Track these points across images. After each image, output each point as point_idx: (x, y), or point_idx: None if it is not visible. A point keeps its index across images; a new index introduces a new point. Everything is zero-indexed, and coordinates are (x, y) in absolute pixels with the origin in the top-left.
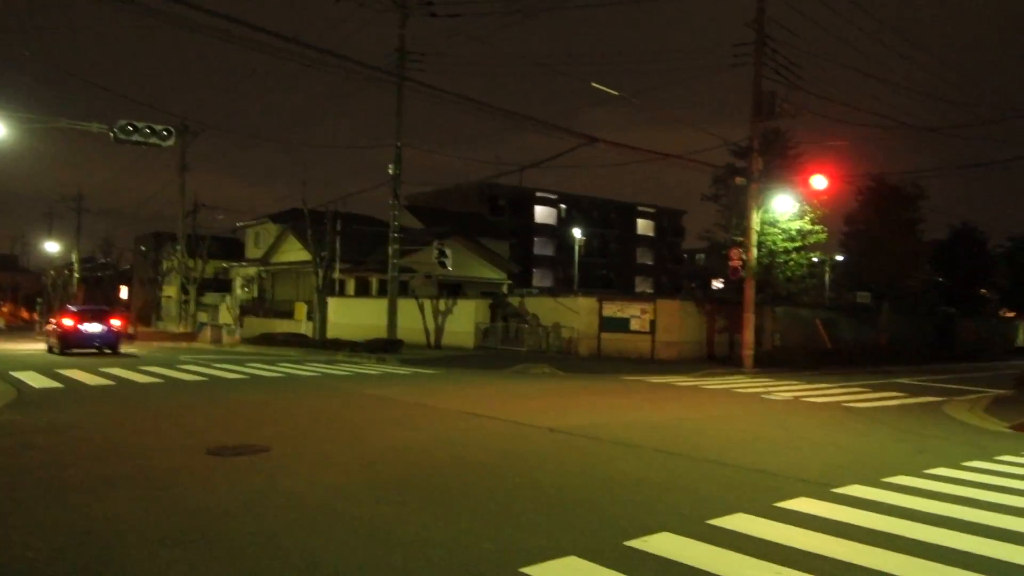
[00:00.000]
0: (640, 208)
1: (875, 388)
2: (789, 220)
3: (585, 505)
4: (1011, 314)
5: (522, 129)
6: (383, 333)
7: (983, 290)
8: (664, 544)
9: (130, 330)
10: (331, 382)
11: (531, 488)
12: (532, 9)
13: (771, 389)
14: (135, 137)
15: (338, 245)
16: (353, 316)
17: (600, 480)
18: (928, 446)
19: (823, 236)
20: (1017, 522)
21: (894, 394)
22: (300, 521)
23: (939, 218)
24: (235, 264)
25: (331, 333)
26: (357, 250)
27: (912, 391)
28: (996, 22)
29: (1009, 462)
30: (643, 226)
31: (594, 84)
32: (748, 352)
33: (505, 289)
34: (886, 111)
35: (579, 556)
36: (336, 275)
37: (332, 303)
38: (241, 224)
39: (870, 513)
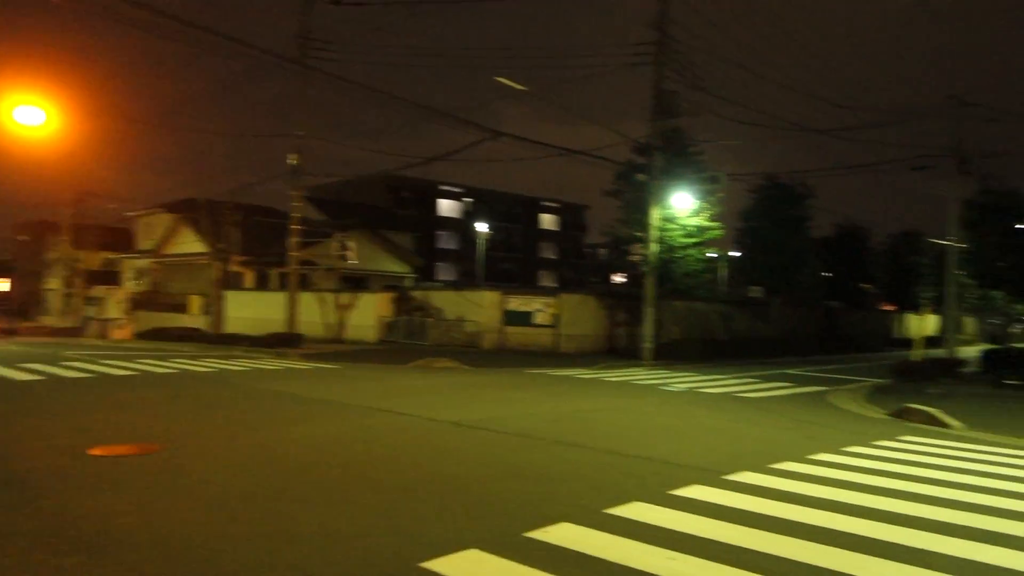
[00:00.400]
0: (544, 203)
1: (766, 379)
2: (688, 217)
3: (487, 498)
4: (890, 307)
5: (429, 122)
6: (283, 328)
7: (865, 285)
8: (563, 534)
9: (9, 325)
10: (228, 378)
11: (434, 482)
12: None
13: (668, 380)
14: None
15: (236, 237)
16: (252, 310)
17: (502, 472)
18: (813, 433)
19: (719, 232)
20: (893, 503)
21: (783, 384)
22: (194, 521)
23: (826, 216)
24: (125, 255)
25: (229, 328)
26: (257, 242)
27: (799, 381)
28: (882, 32)
29: (885, 447)
30: (547, 221)
31: (498, 79)
32: (647, 345)
33: (409, 283)
34: (779, 113)
35: (480, 548)
36: (234, 268)
37: (230, 297)
38: (132, 213)
39: (758, 498)
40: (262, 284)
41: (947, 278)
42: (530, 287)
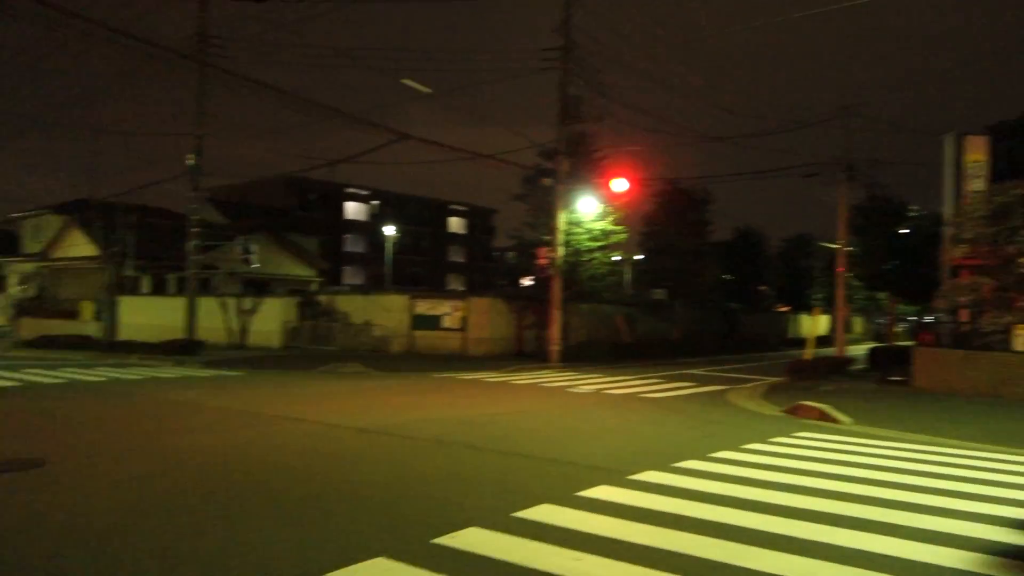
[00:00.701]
0: (453, 206)
1: (669, 379)
2: (593, 220)
3: (395, 505)
4: (785, 308)
5: (334, 123)
6: (182, 334)
7: (762, 287)
8: (471, 539)
9: None
10: (122, 387)
11: (340, 490)
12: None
13: (576, 383)
14: None
15: (131, 240)
16: (149, 316)
17: (410, 479)
18: (713, 431)
19: (624, 236)
20: (788, 497)
21: (686, 384)
22: (84, 541)
23: (726, 221)
24: (10, 259)
25: (124, 335)
26: (154, 246)
27: (701, 381)
28: (781, 46)
29: (781, 443)
30: (455, 224)
31: (404, 81)
32: (555, 347)
33: (315, 287)
34: (681, 120)
35: (388, 557)
36: (129, 272)
37: (125, 302)
38: (17, 215)
39: (662, 497)
40: (160, 289)
41: (836, 280)
42: (439, 291)
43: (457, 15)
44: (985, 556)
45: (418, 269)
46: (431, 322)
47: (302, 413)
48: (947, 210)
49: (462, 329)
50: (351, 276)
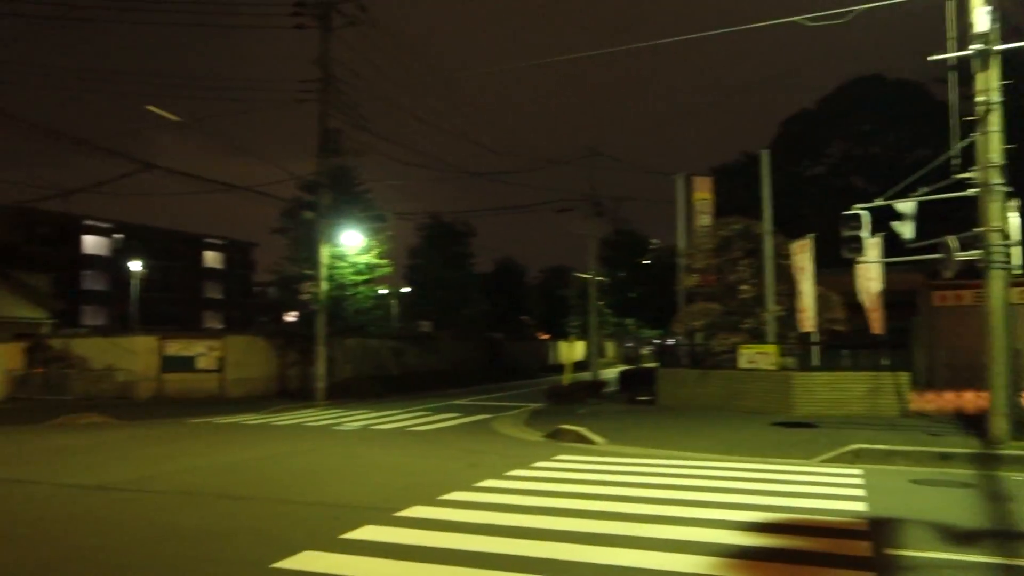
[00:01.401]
0: (208, 240)
1: (436, 411)
2: (357, 254)
3: (136, 570)
4: (546, 336)
5: (75, 151)
6: None
7: (523, 316)
8: None
9: None
10: None
11: (70, 559)
12: (75, 17)
13: (342, 420)
14: None
15: None
16: None
17: (156, 536)
18: (478, 461)
19: (389, 269)
20: (549, 520)
21: (452, 415)
22: None
23: (487, 254)
24: None
25: None
26: None
27: (467, 411)
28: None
29: (543, 467)
30: (212, 258)
31: (150, 107)
32: (320, 385)
33: (47, 329)
34: (442, 156)
35: None
36: None
37: None
38: None
39: (428, 532)
40: None
41: (590, 308)
42: (193, 330)
43: (214, 42)
44: (717, 559)
45: (171, 307)
46: (184, 364)
47: (28, 473)
48: (681, 243)
49: (219, 370)
50: (92, 316)
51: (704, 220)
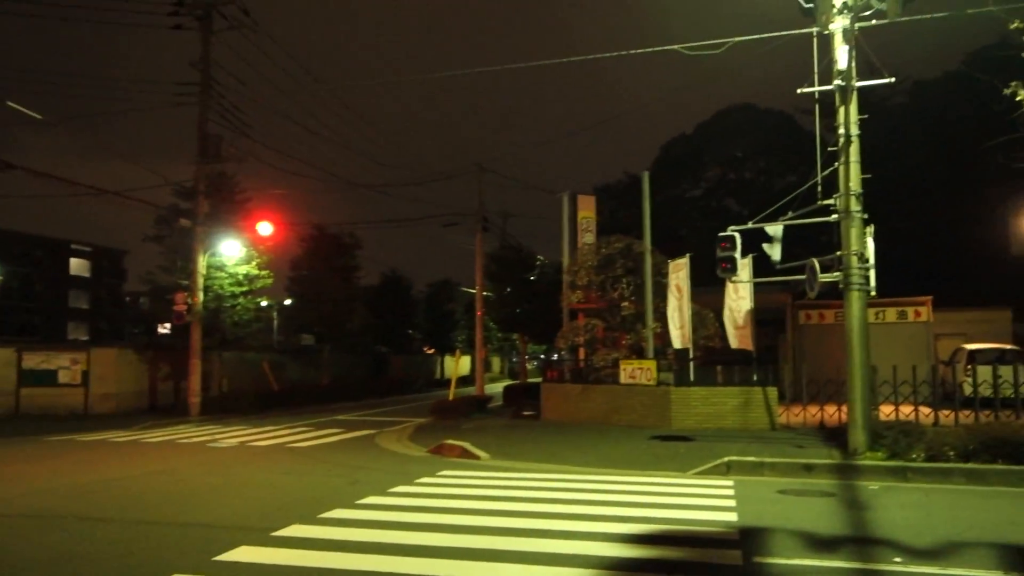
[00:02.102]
0: (74, 246)
1: (318, 426)
2: (236, 264)
3: None
4: (432, 351)
5: None
6: None
7: (409, 330)
8: None
9: None
10: None
11: None
12: None
13: (217, 436)
14: None
15: None
16: None
17: (1, 566)
18: (361, 477)
19: (270, 281)
20: (432, 536)
21: (334, 431)
22: None
23: (374, 266)
24: None
25: None
26: None
27: (350, 426)
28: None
29: (426, 483)
30: (78, 266)
31: (10, 104)
32: (195, 400)
33: None
34: (327, 166)
35: None
36: None
37: None
38: None
39: (307, 551)
40: None
41: (476, 323)
42: (56, 341)
43: (98, 43)
44: (596, 571)
45: (31, 316)
46: (45, 378)
47: None
48: (565, 259)
49: (84, 384)
50: None
51: (588, 238)
